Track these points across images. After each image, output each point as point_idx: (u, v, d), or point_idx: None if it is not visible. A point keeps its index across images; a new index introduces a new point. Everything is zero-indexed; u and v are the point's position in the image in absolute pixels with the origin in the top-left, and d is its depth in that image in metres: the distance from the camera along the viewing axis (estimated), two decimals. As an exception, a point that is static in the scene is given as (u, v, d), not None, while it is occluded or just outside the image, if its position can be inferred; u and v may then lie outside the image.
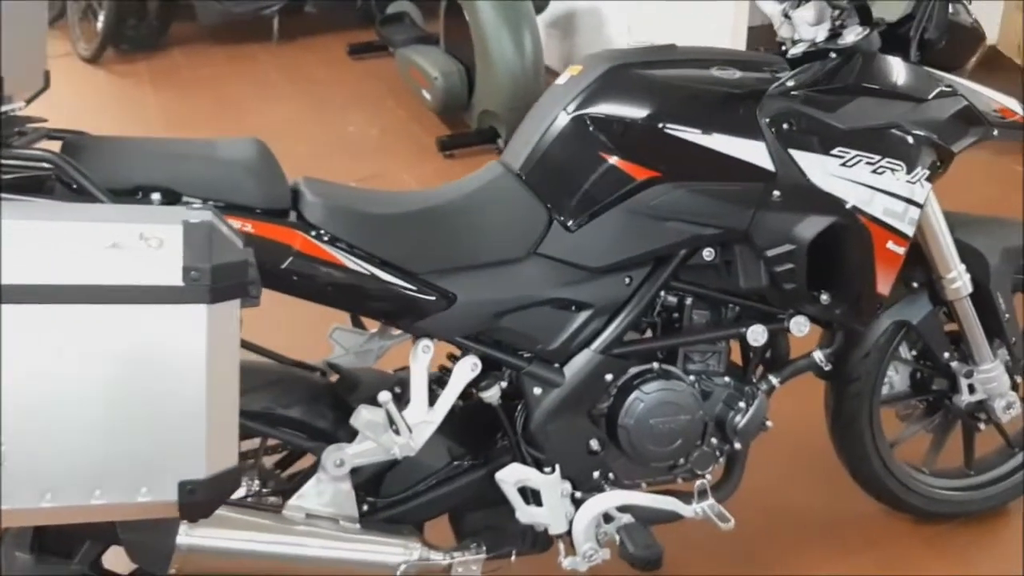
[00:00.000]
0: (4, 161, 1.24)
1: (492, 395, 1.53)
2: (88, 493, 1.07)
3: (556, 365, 1.56)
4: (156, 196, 1.32)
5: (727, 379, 1.66)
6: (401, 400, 1.48)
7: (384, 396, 1.42)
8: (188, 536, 1.35)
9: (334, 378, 1.60)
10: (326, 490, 1.47)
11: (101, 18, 5.31)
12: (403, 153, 4.13)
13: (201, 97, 4.94)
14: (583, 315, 1.56)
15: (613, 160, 1.51)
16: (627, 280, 1.57)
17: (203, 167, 1.36)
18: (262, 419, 1.48)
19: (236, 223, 1.32)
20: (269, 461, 1.63)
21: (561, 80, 1.60)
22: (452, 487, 1.57)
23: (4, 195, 1.24)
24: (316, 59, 5.31)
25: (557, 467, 1.57)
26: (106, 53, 5.48)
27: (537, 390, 1.55)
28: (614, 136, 1.51)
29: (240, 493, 1.49)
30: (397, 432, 1.44)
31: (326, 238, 1.39)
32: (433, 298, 1.46)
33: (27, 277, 1.02)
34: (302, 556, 1.42)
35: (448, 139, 4.02)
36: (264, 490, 1.52)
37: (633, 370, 1.60)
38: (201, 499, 1.11)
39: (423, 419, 1.47)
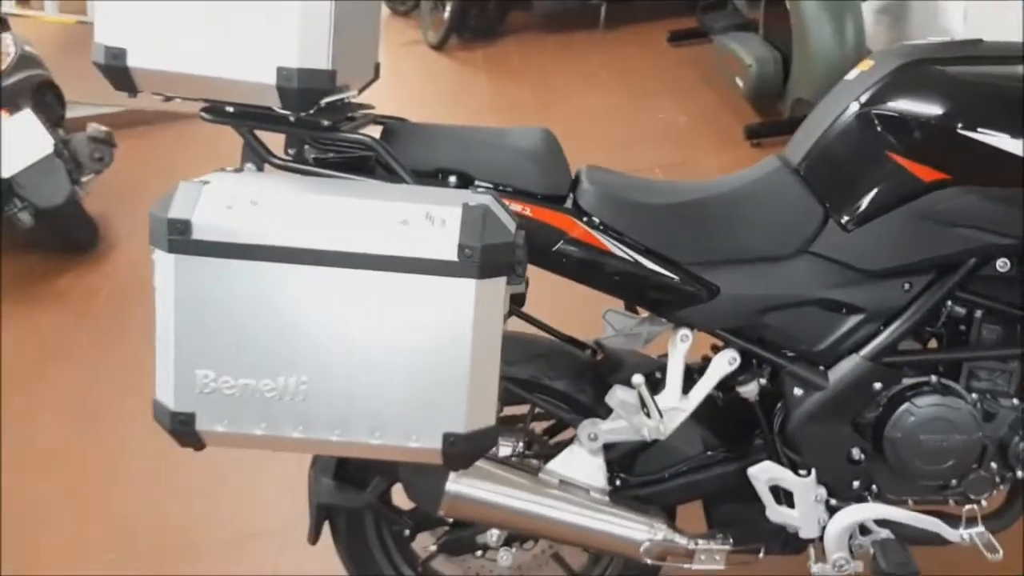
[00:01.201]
0: (335, 143, 1.46)
1: (750, 391, 1.54)
2: (369, 433, 1.24)
3: (820, 367, 1.53)
4: (452, 179, 1.47)
5: (1016, 401, 1.53)
6: (658, 386, 1.54)
7: (638, 379, 1.49)
8: (456, 484, 1.51)
9: (600, 357, 1.69)
10: (580, 460, 1.56)
11: (448, 9, 5.79)
12: (710, 140, 4.13)
13: (528, 83, 5.24)
14: (854, 319, 1.51)
15: (900, 160, 1.45)
16: (906, 286, 1.50)
17: (494, 154, 1.49)
18: (530, 387, 1.61)
19: (516, 206, 1.45)
20: (539, 427, 1.76)
21: (851, 76, 1.55)
22: (702, 476, 1.60)
23: (330, 173, 1.47)
24: (637, 47, 5.42)
25: (813, 471, 1.55)
26: (450, 41, 5.98)
27: (798, 391, 1.54)
28: (903, 135, 1.45)
29: (507, 452, 1.64)
30: (648, 415, 1.50)
31: (597, 224, 1.48)
32: (696, 289, 1.50)
33: (336, 244, 1.20)
34: (551, 518, 1.53)
35: (757, 127, 3.95)
36: (528, 452, 1.65)
37: (907, 381, 1.53)
38: (461, 450, 1.25)
39: (675, 406, 1.51)
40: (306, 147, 1.48)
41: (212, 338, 1.23)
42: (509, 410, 1.64)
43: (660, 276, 1.49)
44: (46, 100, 3.90)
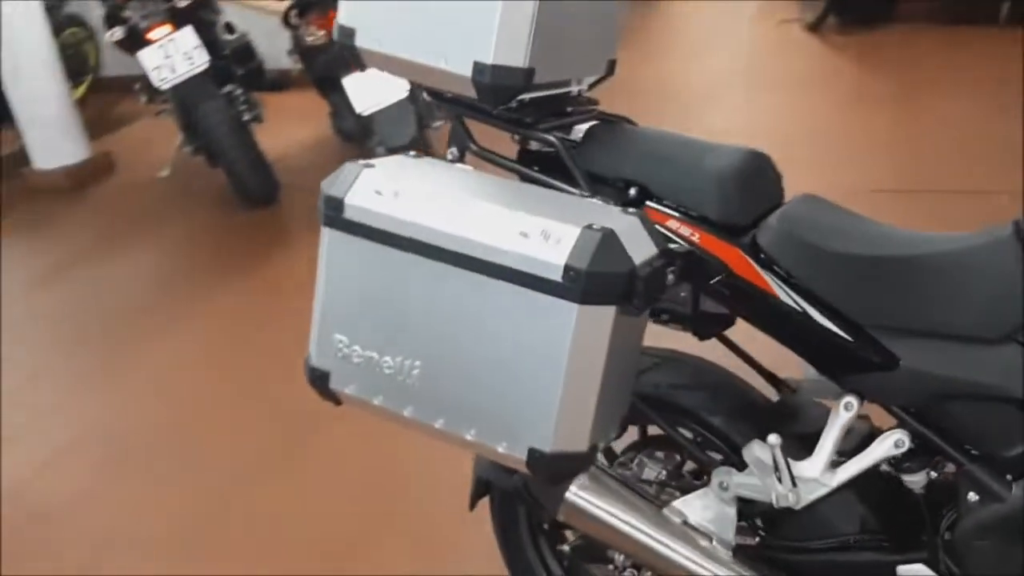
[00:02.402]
0: (526, 136, 1.49)
1: (916, 481, 1.36)
2: (467, 429, 1.29)
3: (1008, 477, 1.30)
4: (633, 191, 1.45)
5: None
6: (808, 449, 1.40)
7: (774, 439, 1.37)
8: (576, 493, 1.50)
9: (780, 399, 1.58)
10: (710, 506, 1.48)
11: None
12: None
13: (889, 79, 4.83)
14: (1058, 430, 1.26)
15: None
16: None
17: (676, 173, 1.43)
18: (685, 416, 1.55)
19: (687, 230, 1.39)
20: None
21: None
22: (846, 558, 1.44)
23: (518, 168, 1.51)
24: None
25: (975, 591, 1.33)
26: (828, 22, 5.63)
27: (973, 496, 1.32)
28: None
29: (651, 475, 1.60)
30: (780, 480, 1.38)
31: (767, 263, 1.37)
32: (871, 356, 1.34)
33: (456, 245, 1.24)
34: (664, 556, 1.47)
35: None
36: (672, 483, 1.59)
37: None
38: (545, 468, 1.25)
39: (815, 478, 1.38)
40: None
41: (349, 308, 1.35)
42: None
43: (830, 335, 1.35)
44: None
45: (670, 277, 1.42)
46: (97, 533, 2.53)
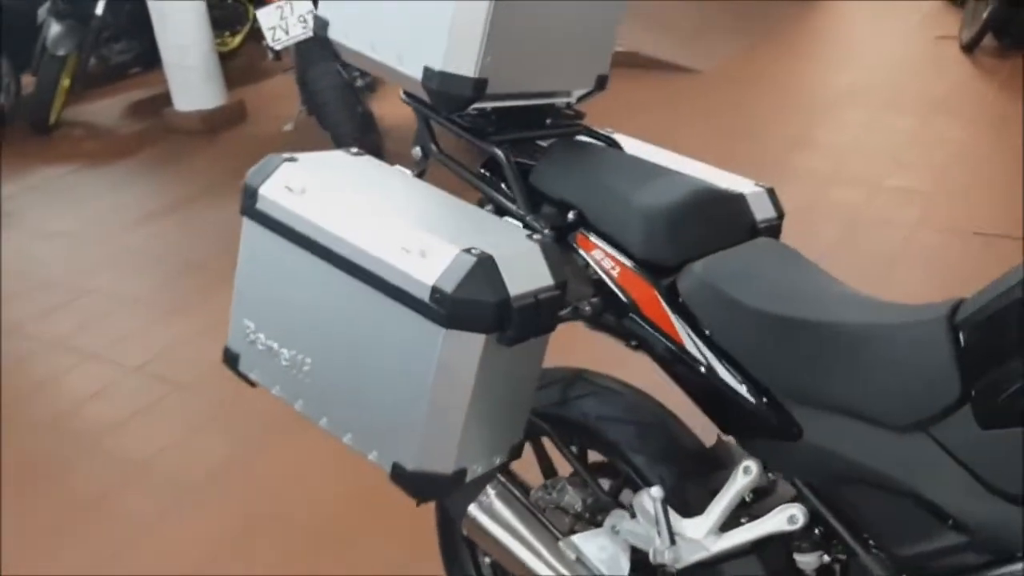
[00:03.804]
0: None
1: (808, 562, 1.27)
2: (344, 433, 1.30)
3: (902, 575, 1.20)
4: (571, 215, 1.41)
5: None
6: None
7: (656, 491, 1.31)
8: (478, 510, 1.49)
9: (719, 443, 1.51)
10: (606, 547, 1.44)
11: (988, 9, 5.05)
12: None
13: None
14: (955, 537, 1.15)
15: None
16: None
17: (611, 203, 1.38)
18: (609, 448, 1.51)
19: (610, 263, 1.35)
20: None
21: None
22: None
23: (467, 175, 1.49)
24: None
25: None
26: (985, 44, 5.23)
27: (863, 589, 1.23)
28: None
29: (569, 504, 1.56)
30: (659, 534, 1.32)
31: (682, 309, 1.30)
32: (773, 422, 1.26)
33: (344, 251, 1.24)
34: (547, 586, 1.44)
35: None
36: (591, 503, 1.53)
37: None
38: (407, 483, 1.25)
39: (697, 539, 1.31)
40: None
41: (257, 296, 1.38)
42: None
43: (734, 394, 1.28)
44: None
45: (587, 308, 1.38)
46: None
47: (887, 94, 4.95)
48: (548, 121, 1.59)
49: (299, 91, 4.65)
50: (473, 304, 1.15)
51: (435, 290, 1.15)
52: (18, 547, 2.39)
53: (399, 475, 1.24)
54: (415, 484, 1.24)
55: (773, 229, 1.49)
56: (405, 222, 1.25)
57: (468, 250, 1.17)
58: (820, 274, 1.37)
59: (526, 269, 1.22)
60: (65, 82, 5.66)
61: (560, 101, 1.60)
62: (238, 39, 6.71)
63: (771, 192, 1.52)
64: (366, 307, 1.23)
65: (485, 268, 1.16)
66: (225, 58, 6.14)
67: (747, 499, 1.38)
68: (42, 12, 5.67)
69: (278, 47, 4.23)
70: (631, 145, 1.64)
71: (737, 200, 1.44)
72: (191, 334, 3.30)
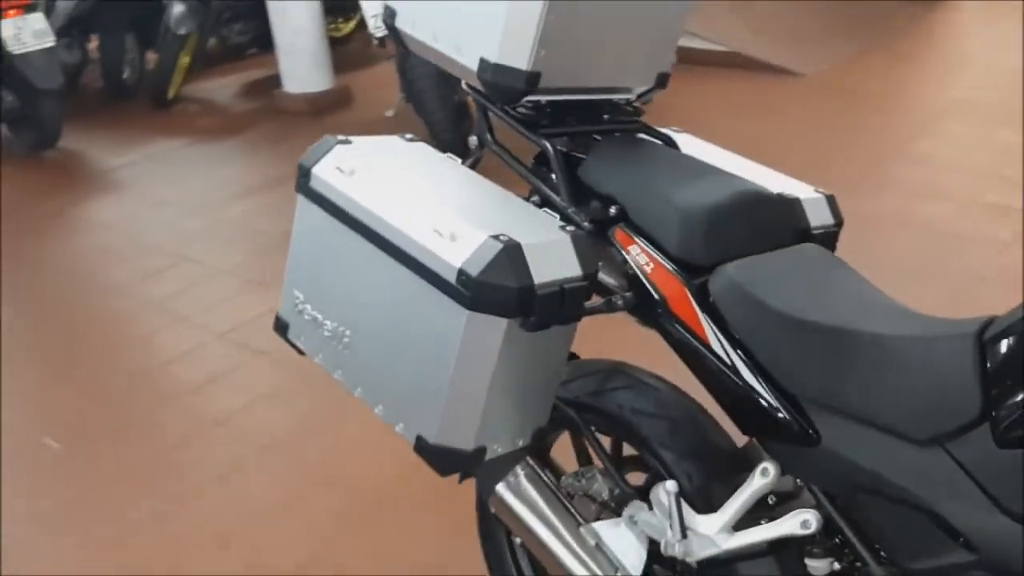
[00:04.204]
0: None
1: (818, 568, 1.27)
2: (376, 404, 1.37)
3: (910, 590, 1.19)
4: (613, 210, 1.44)
5: None
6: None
7: (672, 486, 1.33)
8: (505, 488, 1.53)
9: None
10: (624, 536, 1.46)
11: None
12: None
13: None
14: (964, 555, 1.13)
15: None
16: None
17: (651, 201, 1.40)
18: (640, 442, 1.53)
19: (644, 258, 1.37)
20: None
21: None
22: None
23: (521, 168, 1.53)
24: None
25: None
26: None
27: (872, 602, 1.22)
28: None
29: (597, 492, 1.58)
30: (671, 527, 1.34)
31: (712, 309, 1.32)
32: (793, 427, 1.26)
33: (385, 232, 1.30)
34: (567, 571, 1.47)
35: None
36: (618, 494, 1.56)
37: None
38: (430, 457, 1.30)
39: (710, 535, 1.32)
40: None
41: (307, 269, 1.46)
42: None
43: (756, 395, 1.28)
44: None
45: (620, 302, 1.41)
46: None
47: (999, 107, 4.75)
48: (606, 117, 1.61)
49: (399, 79, 4.76)
50: (496, 288, 1.20)
51: (461, 272, 1.20)
52: (107, 484, 2.58)
53: (422, 447, 1.30)
54: (436, 457, 1.30)
55: (829, 236, 1.48)
56: (442, 207, 1.30)
57: (497, 236, 1.21)
58: (860, 283, 1.36)
59: (554, 258, 1.25)
60: (185, 60, 5.94)
61: (620, 97, 1.62)
62: (350, 25, 6.89)
63: (831, 199, 1.51)
64: (400, 285, 1.29)
65: (511, 254, 1.20)
66: (337, 44, 6.33)
67: (770, 502, 1.38)
68: (167, -8, 5.97)
69: (379, 35, 4.34)
70: (691, 145, 1.65)
71: (789, 205, 1.44)
72: (275, 306, 3.44)
